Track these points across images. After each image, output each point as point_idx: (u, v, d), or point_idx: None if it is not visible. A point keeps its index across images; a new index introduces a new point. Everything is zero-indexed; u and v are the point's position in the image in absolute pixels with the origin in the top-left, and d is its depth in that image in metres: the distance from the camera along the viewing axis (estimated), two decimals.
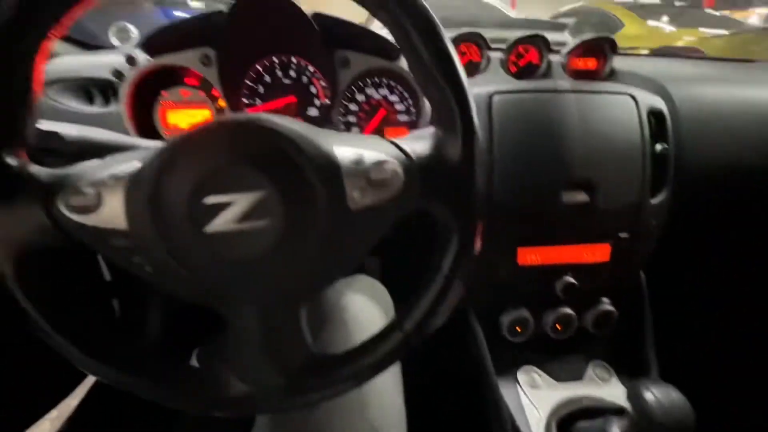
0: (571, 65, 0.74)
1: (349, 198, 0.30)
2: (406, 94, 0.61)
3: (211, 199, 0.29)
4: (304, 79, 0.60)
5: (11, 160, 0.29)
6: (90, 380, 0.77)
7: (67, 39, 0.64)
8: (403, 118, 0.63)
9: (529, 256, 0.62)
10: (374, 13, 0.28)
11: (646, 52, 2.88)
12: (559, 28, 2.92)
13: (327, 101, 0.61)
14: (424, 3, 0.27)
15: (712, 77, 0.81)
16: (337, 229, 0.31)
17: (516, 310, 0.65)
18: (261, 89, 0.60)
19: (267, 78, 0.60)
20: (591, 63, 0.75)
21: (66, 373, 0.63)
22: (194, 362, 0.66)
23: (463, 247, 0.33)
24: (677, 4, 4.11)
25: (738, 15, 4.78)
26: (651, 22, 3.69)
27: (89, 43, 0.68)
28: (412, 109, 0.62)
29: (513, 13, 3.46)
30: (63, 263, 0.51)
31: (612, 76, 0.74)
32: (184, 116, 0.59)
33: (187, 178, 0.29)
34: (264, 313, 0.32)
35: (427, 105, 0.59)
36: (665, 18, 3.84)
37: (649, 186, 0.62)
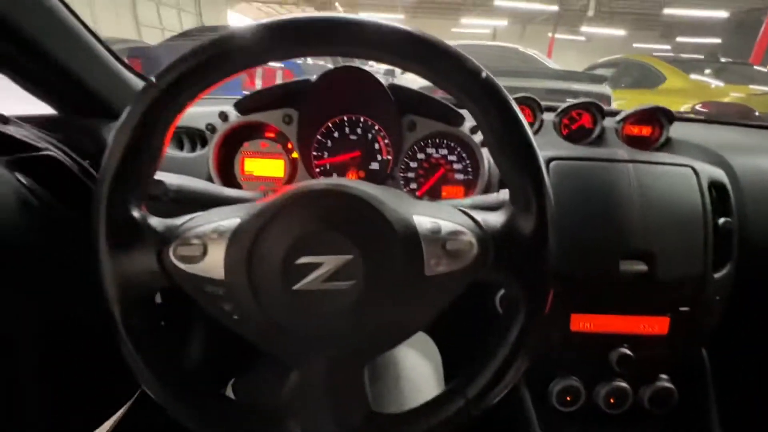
0: (625, 131, 0.76)
1: (426, 265, 0.32)
2: (464, 155, 0.65)
3: (304, 260, 0.32)
4: (370, 136, 0.65)
5: (136, 213, 0.33)
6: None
7: None
8: (459, 176, 0.66)
9: (583, 322, 0.61)
10: (463, 101, 0.32)
11: (686, 109, 2.84)
12: (598, 80, 2.95)
13: (388, 157, 0.65)
14: (508, 96, 0.31)
15: None
16: (412, 293, 0.33)
17: (567, 378, 0.63)
18: (329, 143, 0.65)
19: (336, 134, 0.65)
20: (646, 130, 0.77)
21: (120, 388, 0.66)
22: (230, 393, 0.68)
23: (531, 319, 0.34)
24: (722, 60, 4.05)
25: None
26: (694, 77, 3.65)
27: None
28: (469, 169, 0.65)
29: (551, 63, 3.55)
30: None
31: (667, 144, 0.75)
32: (259, 165, 0.64)
33: (284, 239, 0.32)
34: (332, 366, 0.34)
35: (485, 167, 0.62)
36: (709, 72, 3.80)
37: (711, 260, 0.61)
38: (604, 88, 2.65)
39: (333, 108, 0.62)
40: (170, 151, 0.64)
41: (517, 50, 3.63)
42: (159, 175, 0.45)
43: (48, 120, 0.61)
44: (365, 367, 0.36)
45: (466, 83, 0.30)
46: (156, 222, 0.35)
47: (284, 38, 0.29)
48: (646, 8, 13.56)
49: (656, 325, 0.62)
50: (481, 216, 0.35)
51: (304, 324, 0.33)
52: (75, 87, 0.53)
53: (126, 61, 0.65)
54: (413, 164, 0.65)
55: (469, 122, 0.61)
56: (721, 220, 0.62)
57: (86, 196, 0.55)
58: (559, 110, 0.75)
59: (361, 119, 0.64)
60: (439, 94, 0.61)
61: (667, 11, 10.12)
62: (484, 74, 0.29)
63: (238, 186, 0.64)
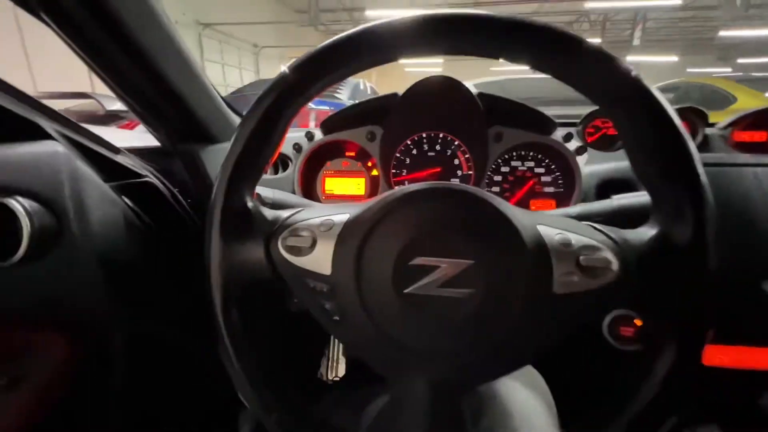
0: (734, 138, 0.68)
1: (554, 281, 0.28)
2: (553, 166, 0.60)
3: (419, 261, 0.29)
4: (449, 151, 0.63)
5: (249, 202, 0.33)
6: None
7: None
8: (549, 189, 0.61)
9: (719, 356, 0.51)
10: (606, 107, 0.28)
11: None
12: None
13: (470, 172, 0.63)
14: (660, 95, 0.26)
15: None
16: (538, 311, 0.29)
17: (704, 426, 0.52)
18: (407, 160, 0.64)
19: (414, 150, 0.64)
20: (759, 136, 0.68)
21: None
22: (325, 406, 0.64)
23: (686, 359, 0.28)
24: None
25: None
26: None
27: None
28: (560, 181, 0.60)
29: None
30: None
31: None
32: (341, 183, 0.65)
33: (398, 237, 0.29)
34: (434, 393, 0.30)
35: (580, 177, 0.57)
36: None
37: None
38: None
39: (418, 123, 0.62)
40: None
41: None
42: (258, 189, 0.46)
43: (150, 151, 0.67)
44: (467, 394, 0.31)
45: (611, 84, 0.26)
46: (267, 212, 0.34)
47: (421, 33, 0.27)
48: (697, 32, 13.00)
49: None
50: (617, 233, 0.30)
51: (411, 332, 0.30)
52: (184, 113, 0.58)
53: None
54: (498, 178, 0.62)
55: (561, 130, 0.58)
56: None
57: (173, 218, 0.59)
58: None
59: (440, 135, 0.63)
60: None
61: (723, 33, 9.62)
62: (634, 73, 0.26)
63: None
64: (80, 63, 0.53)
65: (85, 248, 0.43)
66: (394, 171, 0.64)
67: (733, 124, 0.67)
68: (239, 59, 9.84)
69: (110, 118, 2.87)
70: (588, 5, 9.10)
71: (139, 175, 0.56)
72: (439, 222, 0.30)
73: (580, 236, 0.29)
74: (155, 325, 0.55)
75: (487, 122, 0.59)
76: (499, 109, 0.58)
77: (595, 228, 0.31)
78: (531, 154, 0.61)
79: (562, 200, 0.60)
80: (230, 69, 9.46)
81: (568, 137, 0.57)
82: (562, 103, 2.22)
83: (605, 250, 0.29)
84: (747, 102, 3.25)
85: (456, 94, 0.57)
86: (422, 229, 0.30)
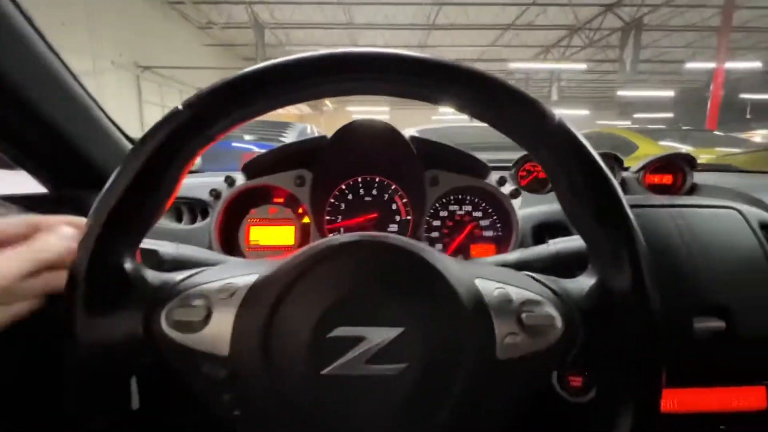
0: (647, 180, 0.73)
1: (498, 344, 0.24)
2: (491, 210, 0.60)
3: (340, 332, 0.24)
4: (386, 196, 0.60)
5: (128, 263, 0.25)
6: None
7: None
8: (489, 233, 0.60)
9: (666, 400, 0.50)
10: (533, 151, 0.26)
11: None
12: None
13: (408, 217, 0.60)
14: (585, 141, 0.26)
15: None
16: (483, 383, 0.24)
17: None
18: (343, 206, 0.60)
19: (350, 196, 0.60)
20: (667, 179, 0.74)
21: None
22: None
23: (644, 415, 0.25)
24: (684, 128, 4.43)
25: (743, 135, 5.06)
26: (663, 143, 3.93)
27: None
28: (499, 225, 0.59)
29: None
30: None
31: (695, 190, 0.72)
32: (267, 233, 0.58)
33: (315, 302, 0.24)
34: None
35: (516, 221, 0.56)
36: (674, 139, 4.10)
37: None
38: None
39: (350, 167, 0.58)
40: (168, 222, 0.57)
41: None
42: (151, 244, 0.38)
43: (35, 198, 0.56)
44: None
45: (537, 129, 0.25)
46: (152, 276, 0.27)
47: (329, 71, 0.24)
48: (602, 92, 15.43)
49: (752, 398, 0.51)
50: (557, 283, 0.28)
51: (339, 424, 0.24)
52: (67, 151, 0.49)
53: None
54: (437, 223, 0.60)
55: (495, 174, 0.57)
56: None
57: None
58: None
59: (377, 179, 0.60)
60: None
61: (620, 93, 11.49)
62: (557, 118, 0.25)
63: (242, 256, 0.56)
64: None
65: None
66: (328, 218, 0.59)
67: (643, 168, 0.72)
68: (180, 99, 9.56)
69: None
70: (512, 66, 10.39)
71: None
72: (363, 282, 0.25)
73: (520, 289, 0.26)
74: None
75: (423, 166, 0.57)
76: (433, 154, 0.56)
77: (535, 279, 0.29)
78: (468, 197, 0.60)
79: (500, 243, 0.59)
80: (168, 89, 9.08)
81: (502, 181, 0.57)
82: (496, 148, 2.40)
83: (547, 305, 0.26)
84: (647, 149, 3.79)
85: (389, 138, 0.55)
86: (342, 292, 0.24)
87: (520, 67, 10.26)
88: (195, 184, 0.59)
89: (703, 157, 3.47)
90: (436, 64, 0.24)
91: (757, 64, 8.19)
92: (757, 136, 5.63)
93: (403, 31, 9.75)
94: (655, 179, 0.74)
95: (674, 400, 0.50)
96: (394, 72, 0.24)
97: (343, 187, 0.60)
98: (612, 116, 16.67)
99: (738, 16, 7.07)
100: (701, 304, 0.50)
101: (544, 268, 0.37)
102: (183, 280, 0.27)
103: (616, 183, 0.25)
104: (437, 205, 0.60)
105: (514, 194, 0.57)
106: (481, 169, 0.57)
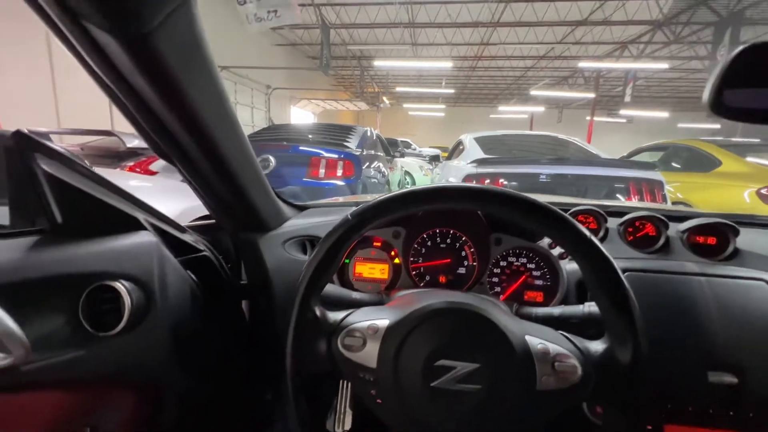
0: (690, 240, 0.82)
1: (538, 380, 0.42)
2: (542, 264, 0.75)
3: (443, 362, 0.43)
4: (457, 245, 0.78)
5: (318, 310, 0.47)
6: None
7: (292, 205, 0.92)
8: (539, 282, 0.75)
9: None
10: (571, 254, 0.43)
11: (751, 194, 2.74)
12: (649, 167, 2.97)
13: (474, 263, 0.77)
14: (608, 254, 0.42)
15: None
16: (525, 402, 0.42)
17: None
18: (423, 251, 0.79)
19: (429, 243, 0.79)
20: (711, 240, 0.83)
21: None
22: None
23: (635, 427, 0.42)
24: None
25: None
26: (751, 159, 3.57)
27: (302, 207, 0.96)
28: (548, 276, 0.74)
29: (592, 149, 3.64)
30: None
31: (736, 255, 0.80)
32: (368, 268, 0.78)
33: (426, 344, 0.44)
34: None
35: (563, 276, 0.71)
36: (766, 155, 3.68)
37: None
38: (656, 174, 2.65)
39: (433, 221, 0.77)
40: (298, 254, 0.80)
41: (557, 138, 3.71)
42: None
43: (203, 226, 0.81)
44: None
45: (575, 243, 0.42)
46: (329, 315, 0.48)
47: (456, 199, 0.43)
48: (687, 92, 13.74)
49: None
50: (582, 343, 0.45)
51: (435, 416, 0.43)
52: (248, 207, 0.68)
53: None
54: (497, 270, 0.76)
55: (548, 239, 0.73)
56: None
57: (220, 286, 0.70)
58: (622, 220, 0.85)
59: (451, 231, 0.78)
60: None
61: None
62: (589, 236, 0.41)
63: (350, 284, 0.78)
64: (102, 101, 0.58)
65: (164, 320, 0.54)
66: (412, 259, 0.78)
67: (689, 230, 0.81)
68: (252, 99, 10.41)
69: (129, 154, 3.09)
70: (581, 64, 9.74)
71: (198, 250, 0.69)
72: (455, 334, 0.44)
73: (555, 346, 0.43)
74: (200, 381, 0.66)
75: (490, 228, 0.74)
76: (498, 221, 0.73)
77: (567, 338, 0.45)
78: (524, 253, 0.75)
79: (548, 292, 0.74)
80: (242, 107, 9.98)
81: (552, 245, 0.72)
82: (551, 162, 2.41)
83: (573, 358, 0.43)
84: (730, 166, 3.45)
85: (467, 211, 0.73)
86: (444, 339, 0.44)
87: (588, 66, 9.64)
88: (321, 224, 0.81)
89: None
90: (519, 200, 0.43)
91: None
92: None
93: (464, 29, 9.60)
94: (700, 240, 0.82)
95: None
96: (484, 200, 0.43)
97: (424, 235, 0.79)
98: (698, 118, 14.94)
99: None
100: (716, 361, 0.62)
101: (579, 323, 0.53)
102: (344, 318, 0.48)
103: (626, 283, 0.41)
104: (499, 256, 0.76)
105: (562, 256, 0.71)
106: (535, 235, 0.72)
